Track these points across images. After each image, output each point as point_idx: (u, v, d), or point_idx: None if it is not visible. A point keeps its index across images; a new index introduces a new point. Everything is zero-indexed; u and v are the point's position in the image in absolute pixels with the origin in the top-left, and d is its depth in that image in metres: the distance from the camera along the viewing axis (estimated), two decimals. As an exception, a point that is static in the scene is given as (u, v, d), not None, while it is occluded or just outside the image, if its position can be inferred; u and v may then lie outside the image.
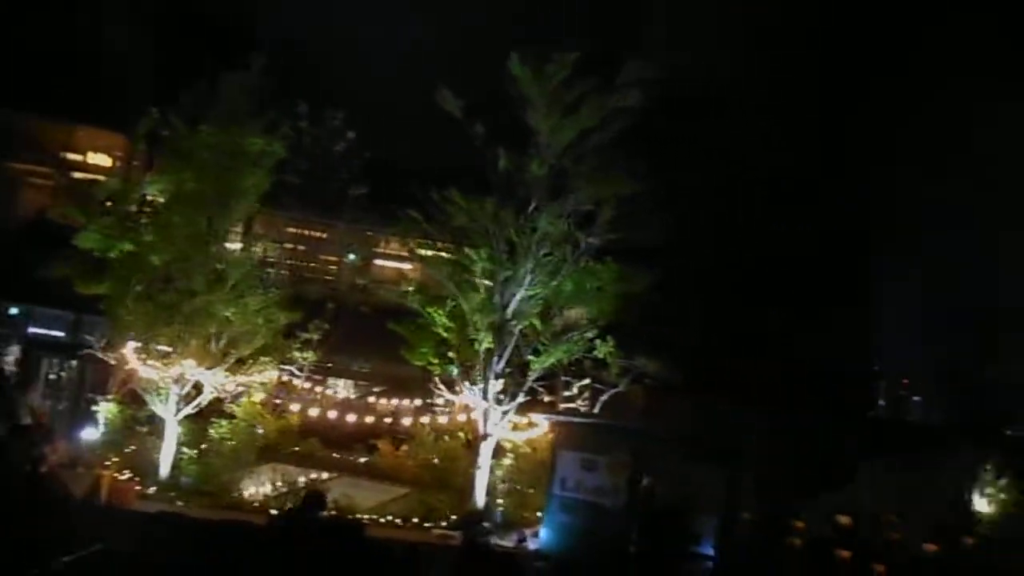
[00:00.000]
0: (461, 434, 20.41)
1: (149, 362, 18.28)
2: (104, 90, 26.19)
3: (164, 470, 17.91)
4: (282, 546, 12.72)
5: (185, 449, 18.25)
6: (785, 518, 15.65)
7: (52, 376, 24.17)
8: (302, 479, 21.28)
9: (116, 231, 18.41)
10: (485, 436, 18.37)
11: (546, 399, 21.65)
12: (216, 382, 18.30)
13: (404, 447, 21.93)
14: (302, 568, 11.93)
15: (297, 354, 22.75)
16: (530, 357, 18.65)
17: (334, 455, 23.55)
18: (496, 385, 18.42)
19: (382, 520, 17.51)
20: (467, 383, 18.62)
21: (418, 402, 23.32)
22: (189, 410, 18.29)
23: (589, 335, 19.01)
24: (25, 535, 9.78)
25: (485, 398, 18.36)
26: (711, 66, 28.15)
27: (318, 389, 26.10)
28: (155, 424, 18.59)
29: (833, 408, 22.76)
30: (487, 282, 18.33)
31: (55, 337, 24.01)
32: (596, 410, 21.20)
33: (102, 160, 28.32)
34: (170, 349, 18.23)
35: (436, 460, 20.03)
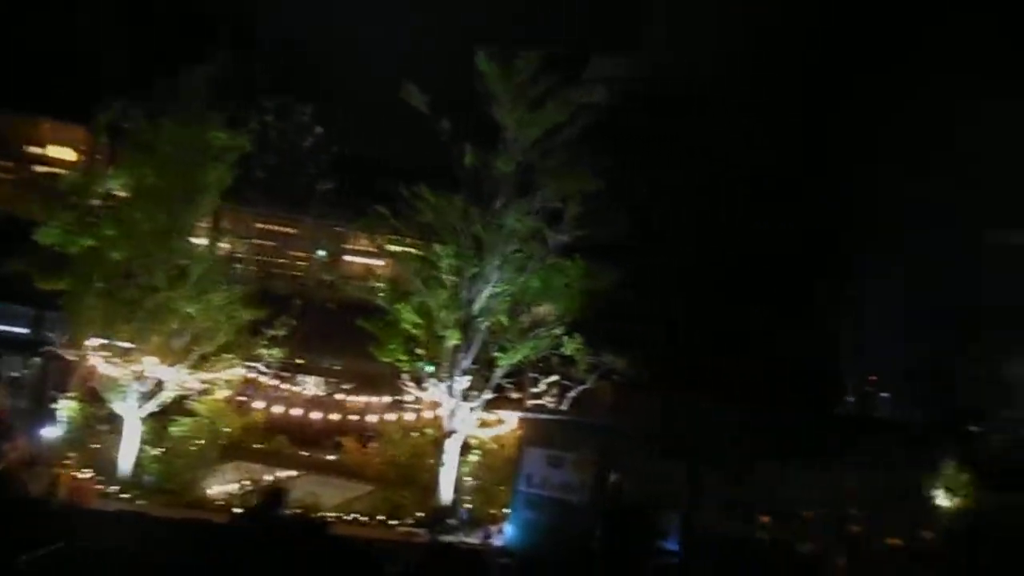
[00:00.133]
0: (429, 431, 20.32)
1: (110, 359, 18.01)
2: (68, 82, 25.70)
3: (125, 469, 17.66)
4: (243, 544, 12.65)
5: (147, 447, 18.00)
6: (748, 513, 15.77)
7: (14, 374, 23.82)
8: (268, 477, 21.10)
9: (77, 226, 18.13)
10: (451, 433, 18.33)
11: (514, 396, 21.67)
12: (178, 379, 18.06)
13: (374, 444, 21.81)
14: (263, 566, 11.86)
15: (264, 351, 22.60)
16: (497, 354, 18.63)
17: (301, 453, 23.37)
18: (463, 382, 18.37)
19: (347, 518, 17.40)
20: (434, 380, 18.56)
21: (387, 399, 23.19)
22: (151, 408, 18.03)
23: (557, 332, 19.04)
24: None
25: (452, 395, 18.31)
26: (693, 63, 28.26)
27: (286, 386, 25.90)
28: (116, 422, 18.32)
29: (797, 404, 22.98)
30: (454, 278, 18.28)
31: (16, 334, 23.63)
32: (564, 407, 21.26)
33: (65, 154, 27.79)
34: (131, 346, 17.96)
35: (403, 457, 19.92)
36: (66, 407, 18.83)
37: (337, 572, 13.04)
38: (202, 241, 20.85)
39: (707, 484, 15.87)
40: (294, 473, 21.73)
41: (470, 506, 18.64)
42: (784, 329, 26.31)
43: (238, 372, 19.63)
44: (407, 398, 20.97)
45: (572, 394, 21.41)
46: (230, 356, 18.87)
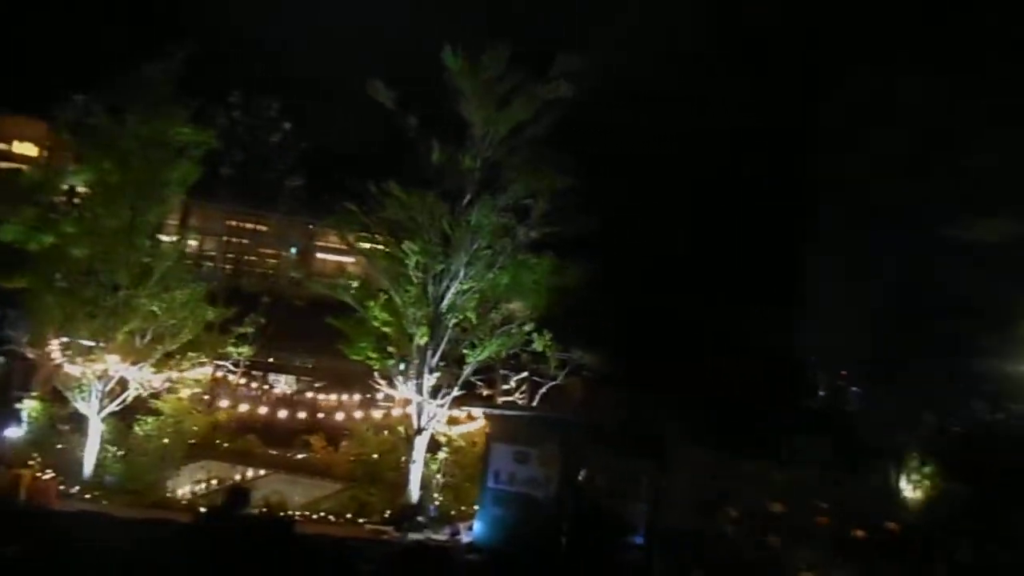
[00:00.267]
0: (400, 428, 20.24)
1: (73, 358, 17.75)
2: (29, 77, 25.33)
3: (88, 469, 17.38)
4: (207, 543, 12.52)
5: (110, 447, 17.75)
6: (714, 507, 15.91)
7: (-25, 373, 23.36)
8: (236, 476, 20.92)
9: (38, 223, 17.86)
10: (421, 430, 18.26)
11: (485, 393, 21.66)
12: (142, 378, 17.82)
13: (344, 443, 21.67)
14: (228, 564, 11.74)
15: (232, 349, 22.38)
16: (466, 351, 18.58)
17: (271, 452, 23.13)
18: (432, 379, 18.30)
19: (314, 516, 17.29)
20: (402, 377, 18.49)
21: (358, 397, 23.07)
22: (113, 407, 17.78)
23: (526, 328, 19.03)
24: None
25: (421, 392, 18.24)
26: (657, 61, 28.38)
27: (255, 385, 25.68)
28: (80, 422, 18.05)
29: (767, 400, 23.20)
30: (422, 275, 18.19)
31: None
32: (535, 403, 21.30)
33: (27, 149, 27.35)
34: (93, 344, 17.70)
35: (372, 455, 19.82)
36: (29, 407, 18.54)
37: (306, 570, 12.98)
38: (169, 238, 20.59)
39: (673, 479, 15.99)
40: (263, 472, 21.53)
41: (439, 503, 18.60)
42: (754, 325, 26.53)
43: (206, 371, 19.41)
44: (377, 396, 20.90)
45: (542, 390, 21.48)
46: (196, 354, 18.64)
